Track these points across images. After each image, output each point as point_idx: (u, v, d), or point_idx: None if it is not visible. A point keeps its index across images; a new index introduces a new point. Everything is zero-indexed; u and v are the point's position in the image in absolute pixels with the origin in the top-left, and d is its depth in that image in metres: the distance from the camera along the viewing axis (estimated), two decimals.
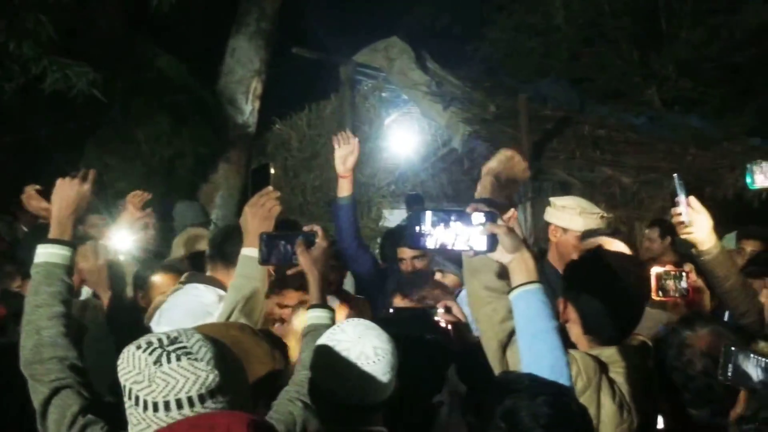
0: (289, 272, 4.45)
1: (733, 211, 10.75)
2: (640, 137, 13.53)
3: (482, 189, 3.31)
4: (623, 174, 12.51)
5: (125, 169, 11.43)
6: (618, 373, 3.24)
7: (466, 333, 3.96)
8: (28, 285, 4.78)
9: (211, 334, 3.29)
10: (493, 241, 2.89)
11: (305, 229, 4.08)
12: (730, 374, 2.86)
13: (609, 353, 3.28)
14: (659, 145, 13.31)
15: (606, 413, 3.22)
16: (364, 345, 2.99)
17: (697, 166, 12.60)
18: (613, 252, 4.09)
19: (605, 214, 5.75)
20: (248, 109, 12.64)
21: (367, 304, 5.42)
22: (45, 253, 3.34)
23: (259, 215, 3.96)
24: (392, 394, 2.94)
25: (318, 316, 3.84)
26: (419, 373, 3.32)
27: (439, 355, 3.78)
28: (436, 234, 2.94)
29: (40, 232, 4.47)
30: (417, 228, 2.96)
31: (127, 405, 2.27)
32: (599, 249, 3.92)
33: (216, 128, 12.35)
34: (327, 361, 2.92)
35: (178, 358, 2.23)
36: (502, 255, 2.91)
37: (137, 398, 2.23)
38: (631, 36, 16.45)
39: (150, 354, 2.24)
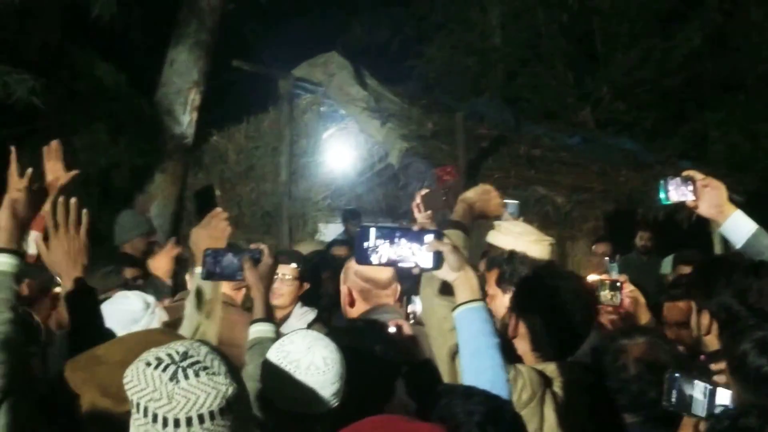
0: (234, 288, 4.63)
1: (664, 232, 11.03)
2: (573, 158, 13.72)
3: (455, 213, 3.44)
4: (557, 193, 12.67)
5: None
6: (560, 387, 3.26)
7: (414, 349, 4.01)
8: None
9: (134, 342, 3.27)
10: (438, 259, 2.95)
11: (252, 246, 4.22)
12: (673, 400, 2.95)
13: (552, 368, 3.31)
14: (592, 165, 13.51)
15: (548, 426, 3.24)
16: (314, 355, 3.03)
17: (629, 187, 12.85)
18: (563, 271, 4.14)
19: (553, 241, 5.49)
20: (186, 120, 12.56)
21: None
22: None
23: (211, 236, 3.98)
24: (339, 403, 2.98)
25: (262, 330, 3.87)
26: (367, 383, 3.27)
27: (388, 368, 3.75)
28: (382, 250, 2.99)
29: None
30: (364, 244, 3.00)
31: (141, 422, 2.24)
32: (549, 267, 4.00)
33: (153, 139, 12.24)
34: (276, 371, 2.95)
35: (197, 374, 2.23)
36: (447, 273, 2.96)
37: (155, 416, 2.21)
38: (566, 57, 16.66)
39: (164, 371, 2.23)
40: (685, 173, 4.00)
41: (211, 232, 3.98)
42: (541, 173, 13.09)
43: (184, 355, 2.26)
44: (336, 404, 2.96)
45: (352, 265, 4.46)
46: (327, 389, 2.93)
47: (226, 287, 4.53)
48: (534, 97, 16.33)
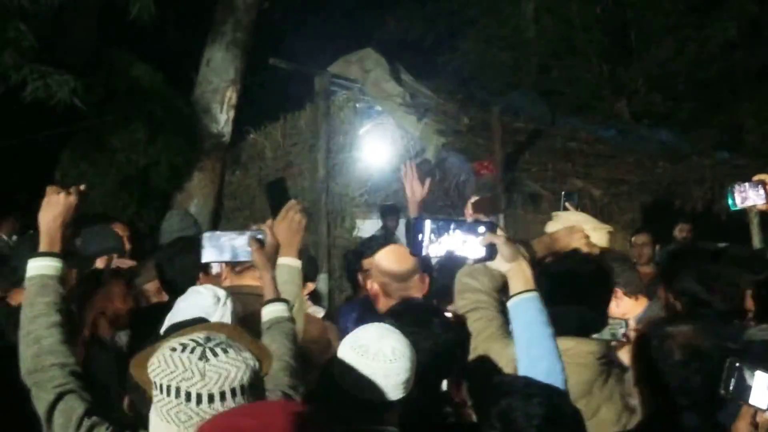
0: (238, 269, 4.62)
1: (703, 224, 10.93)
2: (609, 150, 13.66)
3: (538, 246, 3.54)
4: (593, 186, 12.62)
5: (100, 178, 11.39)
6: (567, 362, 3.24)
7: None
8: (16, 294, 4.88)
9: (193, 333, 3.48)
10: (492, 250, 2.98)
11: (253, 228, 4.26)
12: (731, 388, 2.89)
13: (564, 343, 3.30)
14: (629, 157, 13.45)
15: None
16: (384, 344, 3.01)
17: (666, 179, 12.76)
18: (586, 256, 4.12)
19: (611, 229, 5.72)
20: (223, 119, 12.62)
21: None
22: (37, 266, 3.36)
23: (290, 228, 4.02)
24: (406, 396, 2.92)
25: (277, 309, 3.90)
26: (429, 361, 3.27)
27: (447, 344, 3.60)
28: (437, 242, 3.03)
29: (30, 242, 4.49)
30: (419, 236, 3.03)
31: (173, 403, 2.28)
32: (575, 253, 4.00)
33: (191, 137, 12.31)
34: (345, 355, 2.94)
35: (225, 351, 2.31)
36: (500, 264, 3.01)
37: (189, 394, 2.26)
38: (600, 50, 16.57)
39: (192, 353, 2.29)
40: (756, 178, 4.08)
41: (289, 225, 4.01)
42: (578, 166, 13.04)
43: (207, 338, 2.34)
44: (403, 396, 2.91)
45: (375, 261, 4.53)
46: (393, 378, 2.89)
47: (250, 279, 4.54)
48: (569, 90, 16.26)
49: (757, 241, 10.00)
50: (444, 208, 11.36)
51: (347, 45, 13.71)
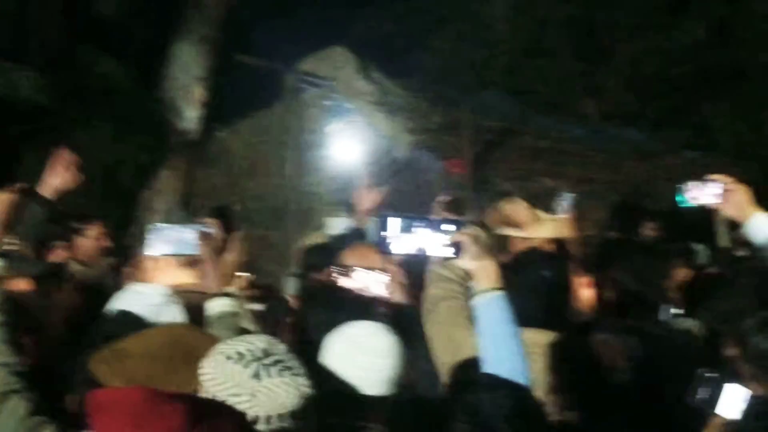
0: (184, 263, 4.58)
1: (670, 223, 10.97)
2: (579, 149, 13.71)
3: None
4: (563, 185, 12.62)
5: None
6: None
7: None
8: None
9: (158, 336, 3.49)
10: (458, 248, 3.01)
11: (206, 220, 4.27)
12: (700, 397, 2.93)
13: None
14: (598, 157, 13.51)
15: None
16: (378, 340, 3.05)
17: (636, 178, 12.80)
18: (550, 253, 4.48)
19: (561, 220, 5.90)
20: (191, 116, 12.62)
21: None
22: None
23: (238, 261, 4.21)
24: (392, 396, 2.97)
25: (224, 304, 4.01)
26: None
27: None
28: (402, 240, 3.04)
29: None
30: (383, 234, 3.04)
31: None
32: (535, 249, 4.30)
33: (158, 135, 12.34)
34: (337, 349, 2.97)
35: (280, 374, 2.30)
36: (467, 262, 3.03)
37: None
38: (571, 49, 16.69)
39: (245, 367, 2.29)
40: (709, 176, 4.15)
41: (237, 257, 4.16)
42: (548, 165, 13.08)
43: (265, 352, 2.34)
44: (389, 394, 2.95)
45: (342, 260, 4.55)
46: (383, 375, 2.92)
47: None
48: (539, 89, 16.37)
49: (722, 239, 10.06)
50: (414, 206, 11.32)
51: (317, 43, 13.70)
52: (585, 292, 4.34)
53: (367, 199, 5.59)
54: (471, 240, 3.01)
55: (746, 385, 3.02)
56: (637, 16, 16.42)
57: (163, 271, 4.65)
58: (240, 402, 2.26)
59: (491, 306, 3.02)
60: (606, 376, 3.51)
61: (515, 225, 5.39)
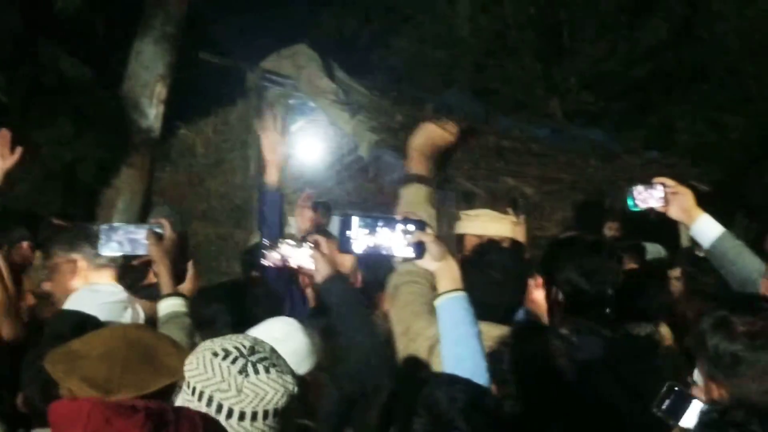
0: (135, 262, 4.61)
1: (632, 223, 11.02)
2: (542, 149, 13.73)
3: (413, 165, 3.51)
4: (526, 184, 12.69)
5: (24, 173, 11.25)
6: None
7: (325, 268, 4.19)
8: None
9: (112, 336, 3.45)
10: (420, 249, 3.02)
11: (152, 221, 4.40)
12: (665, 407, 2.90)
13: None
14: (561, 156, 13.53)
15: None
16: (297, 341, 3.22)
17: (598, 178, 12.86)
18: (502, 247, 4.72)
19: (516, 219, 6.07)
20: (152, 114, 12.56)
21: None
22: None
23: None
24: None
25: (174, 303, 4.06)
26: None
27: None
28: (364, 239, 3.05)
29: None
30: (346, 233, 3.05)
31: (202, 411, 2.29)
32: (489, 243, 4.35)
33: (119, 133, 12.27)
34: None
35: (267, 370, 2.31)
36: (428, 262, 3.06)
37: (220, 406, 2.26)
38: (534, 49, 16.76)
39: (232, 363, 2.29)
40: (654, 180, 4.28)
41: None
42: (510, 164, 13.08)
43: (252, 350, 2.34)
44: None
45: None
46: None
47: None
48: (502, 88, 16.44)
49: (684, 239, 10.13)
50: (377, 205, 11.34)
51: (280, 41, 13.69)
52: (536, 291, 4.33)
53: (305, 219, 5.63)
54: (432, 240, 3.03)
55: (705, 388, 3.03)
56: (599, 17, 16.51)
57: (80, 273, 4.64)
58: (227, 397, 2.26)
59: (453, 306, 3.05)
60: (555, 375, 3.52)
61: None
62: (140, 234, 4.23)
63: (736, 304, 2.96)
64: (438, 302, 3.11)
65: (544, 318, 4.37)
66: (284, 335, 3.49)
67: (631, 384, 3.50)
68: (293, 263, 4.27)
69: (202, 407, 2.27)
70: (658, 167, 13.11)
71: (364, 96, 13.42)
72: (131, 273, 5.06)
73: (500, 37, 16.84)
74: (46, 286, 4.71)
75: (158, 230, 4.26)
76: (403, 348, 3.64)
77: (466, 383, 2.86)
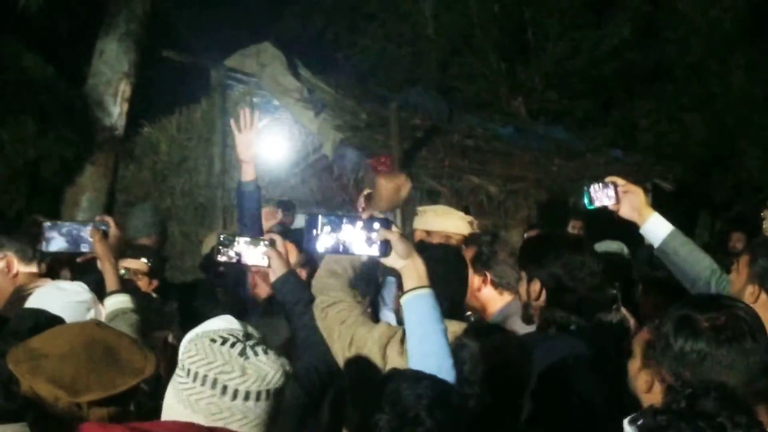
0: (79, 260, 4.71)
1: (595, 221, 11.11)
2: (506, 147, 13.81)
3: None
4: (490, 183, 12.75)
5: None
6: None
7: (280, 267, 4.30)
8: None
9: (74, 335, 3.38)
10: (386, 247, 3.04)
11: (97, 219, 4.37)
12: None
13: None
14: (525, 155, 13.61)
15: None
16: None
17: (561, 176, 12.96)
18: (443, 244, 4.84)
19: (471, 219, 6.04)
20: (116, 112, 12.51)
21: None
22: None
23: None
24: None
25: (120, 300, 4.07)
26: None
27: None
28: (330, 238, 3.07)
29: None
30: (312, 232, 3.06)
31: (206, 393, 2.29)
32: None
33: (82, 131, 12.20)
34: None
35: (265, 352, 2.33)
36: (395, 260, 3.07)
37: (225, 387, 2.27)
38: (498, 48, 16.79)
39: (232, 347, 2.31)
40: (607, 179, 4.29)
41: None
42: (475, 163, 13.16)
43: (246, 335, 2.37)
44: None
45: None
46: None
47: None
48: (467, 87, 16.48)
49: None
50: (342, 204, 11.38)
51: (244, 39, 13.66)
52: (478, 289, 4.46)
53: (268, 222, 5.70)
54: (398, 238, 3.05)
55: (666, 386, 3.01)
56: (563, 16, 16.55)
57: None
58: (231, 378, 2.27)
59: (419, 303, 3.08)
60: (517, 371, 3.54)
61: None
62: (85, 231, 4.25)
63: (698, 302, 2.98)
64: (404, 299, 3.13)
65: (485, 314, 4.53)
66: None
67: (609, 372, 3.53)
68: (248, 261, 4.33)
69: (205, 390, 2.28)
70: (622, 166, 13.24)
71: (329, 94, 13.42)
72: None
73: (464, 35, 16.85)
74: None
75: (103, 227, 4.26)
76: (353, 355, 3.64)
77: (432, 379, 2.86)
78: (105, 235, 4.23)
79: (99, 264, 4.34)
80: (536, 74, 16.65)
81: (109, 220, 4.32)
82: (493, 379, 3.29)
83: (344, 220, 3.10)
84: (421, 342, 3.06)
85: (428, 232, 5.80)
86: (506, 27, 16.76)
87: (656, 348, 2.93)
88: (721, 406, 2.16)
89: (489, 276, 4.42)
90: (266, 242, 4.35)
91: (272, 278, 4.36)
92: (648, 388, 3.09)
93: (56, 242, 4.27)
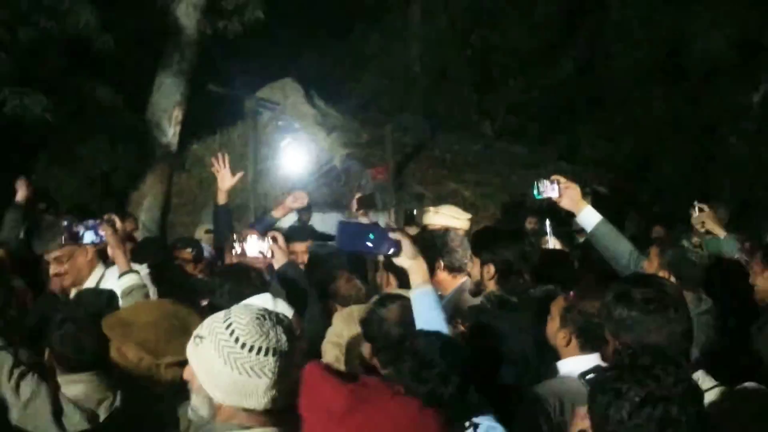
0: (95, 248, 4.57)
1: (548, 217, 11.08)
2: (477, 160, 13.83)
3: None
4: (464, 188, 12.77)
5: (69, 179, 11.23)
6: None
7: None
8: None
9: (154, 307, 3.49)
10: (398, 248, 2.99)
11: (105, 217, 4.36)
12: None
13: None
14: (491, 167, 13.63)
15: None
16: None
17: (520, 183, 12.93)
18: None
19: (470, 217, 6.11)
20: (171, 132, 12.44)
21: None
22: None
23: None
24: None
25: (132, 278, 4.01)
26: None
27: None
28: (354, 239, 3.06)
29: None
30: (342, 235, 3.05)
31: (252, 358, 2.12)
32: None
33: (144, 147, 12.18)
34: None
35: (286, 323, 2.22)
36: (404, 260, 3.02)
37: (251, 347, 2.13)
38: (471, 82, 16.74)
39: (266, 320, 2.18)
40: (553, 177, 4.24)
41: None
42: (452, 172, 13.18)
43: (271, 313, 2.22)
44: None
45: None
46: None
47: None
48: (446, 113, 16.36)
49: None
50: (346, 204, 11.35)
51: (271, 75, 13.69)
52: (440, 273, 4.39)
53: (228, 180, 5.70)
54: (409, 242, 3.01)
55: (608, 352, 3.03)
56: (522, 57, 16.51)
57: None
58: (256, 340, 2.14)
59: (423, 297, 3.05)
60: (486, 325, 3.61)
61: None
62: (98, 226, 4.25)
63: (635, 279, 3.01)
64: (412, 294, 3.10)
65: (443, 293, 4.37)
66: (271, 304, 3.40)
67: (538, 332, 3.52)
68: (253, 253, 4.34)
69: (251, 357, 2.12)
70: (567, 175, 13.20)
71: (337, 119, 13.47)
72: None
73: (444, 72, 16.82)
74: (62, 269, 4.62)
75: (114, 223, 4.27)
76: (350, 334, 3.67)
77: (437, 332, 2.89)
78: (116, 228, 4.21)
79: (109, 250, 4.31)
80: (500, 103, 16.60)
81: (115, 216, 4.34)
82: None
83: (366, 226, 3.19)
84: (426, 325, 3.02)
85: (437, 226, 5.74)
86: (476, 66, 16.71)
87: (600, 315, 2.93)
88: (655, 360, 2.16)
89: (442, 263, 4.33)
90: (270, 238, 4.39)
91: (276, 266, 4.40)
92: (566, 343, 3.23)
93: (88, 235, 4.25)
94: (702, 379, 2.79)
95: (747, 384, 2.86)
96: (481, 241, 4.13)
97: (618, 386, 2.12)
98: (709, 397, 2.64)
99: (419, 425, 1.44)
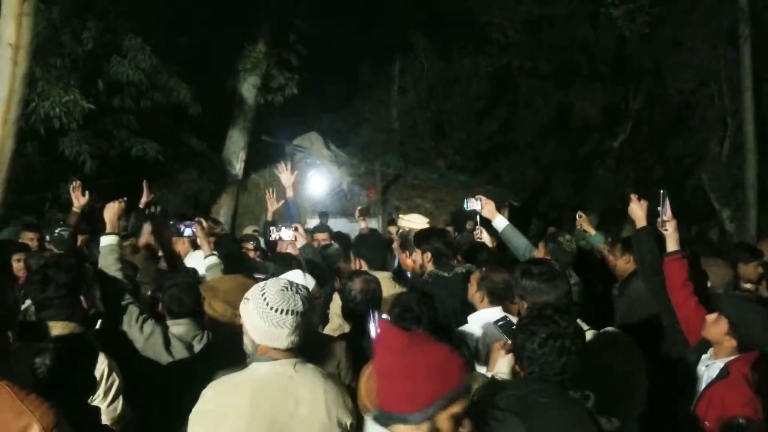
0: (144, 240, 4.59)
1: (483, 223, 11.04)
2: (435, 185, 13.82)
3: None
4: (426, 203, 12.82)
5: (171, 198, 11.26)
6: None
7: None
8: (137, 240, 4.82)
9: (231, 279, 3.37)
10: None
11: (196, 220, 4.42)
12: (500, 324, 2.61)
13: None
14: (444, 189, 13.63)
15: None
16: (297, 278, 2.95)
17: (462, 198, 12.89)
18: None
19: (429, 221, 5.86)
20: (238, 167, 12.42)
21: None
22: (107, 239, 3.13)
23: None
24: None
25: (214, 259, 3.89)
26: None
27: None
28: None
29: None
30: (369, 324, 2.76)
31: (278, 316, 2.02)
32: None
33: (221, 177, 12.13)
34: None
35: (299, 291, 2.09)
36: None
37: (277, 309, 2.03)
38: (430, 132, 16.57)
39: (288, 290, 2.06)
40: (476, 195, 4.24)
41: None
42: (419, 193, 13.20)
43: (293, 283, 2.10)
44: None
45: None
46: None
47: None
48: (415, 154, 16.29)
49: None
50: (351, 214, 11.38)
51: (302, 129, 13.71)
52: (406, 259, 4.19)
53: (289, 181, 5.18)
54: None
55: (508, 307, 3.01)
56: (463, 117, 16.33)
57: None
58: (295, 307, 2.04)
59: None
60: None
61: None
62: (192, 226, 4.28)
63: (533, 261, 2.93)
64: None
65: (408, 271, 4.24)
66: (302, 278, 3.18)
67: (461, 295, 3.40)
68: (285, 237, 4.20)
69: (277, 317, 2.02)
70: (493, 194, 13.20)
71: (345, 158, 13.51)
72: None
73: (414, 128, 16.77)
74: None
75: (199, 223, 4.30)
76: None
77: (415, 293, 2.86)
78: (201, 226, 4.27)
79: (198, 241, 4.23)
80: (449, 147, 16.52)
81: (202, 220, 4.37)
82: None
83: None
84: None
85: (406, 228, 5.55)
86: (434, 123, 16.59)
87: (510, 285, 2.92)
88: (554, 312, 2.13)
89: (407, 253, 4.17)
90: (294, 228, 4.23)
91: (299, 246, 4.19)
92: (480, 300, 3.14)
93: (188, 231, 4.31)
94: (581, 324, 2.62)
95: (608, 328, 2.80)
96: (420, 237, 3.96)
97: (531, 328, 2.10)
98: (586, 336, 2.52)
99: (450, 360, 1.50)
